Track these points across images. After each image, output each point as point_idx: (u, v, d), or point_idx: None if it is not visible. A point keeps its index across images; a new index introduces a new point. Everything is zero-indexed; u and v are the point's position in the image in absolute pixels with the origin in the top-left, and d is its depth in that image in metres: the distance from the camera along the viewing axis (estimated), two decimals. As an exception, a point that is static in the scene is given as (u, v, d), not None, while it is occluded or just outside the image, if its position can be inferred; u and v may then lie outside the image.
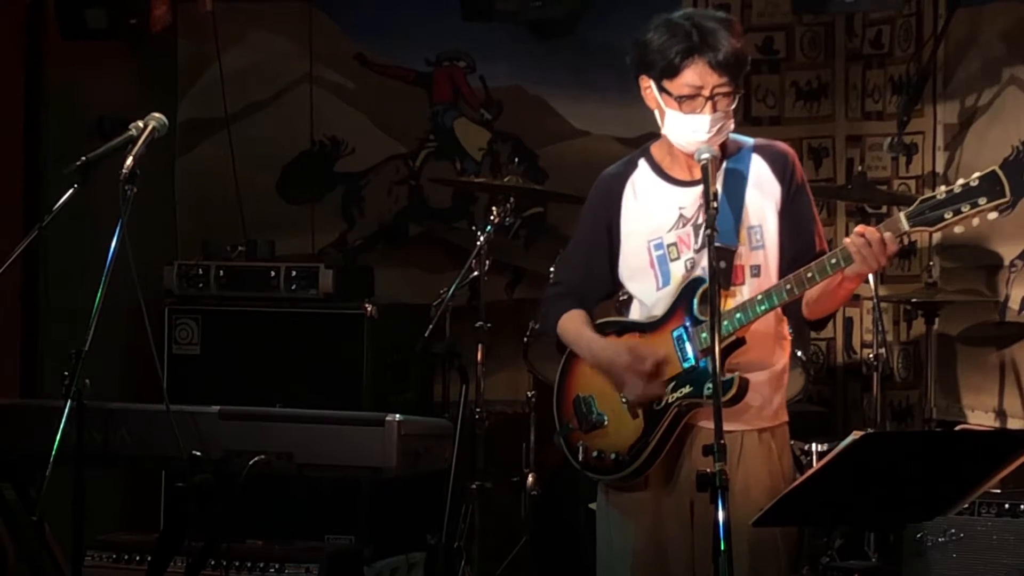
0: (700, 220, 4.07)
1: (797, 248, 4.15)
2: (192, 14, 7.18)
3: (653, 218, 4.17)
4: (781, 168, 4.17)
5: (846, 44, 7.05)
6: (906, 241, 3.97)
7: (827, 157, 7.05)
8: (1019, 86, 6.43)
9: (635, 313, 4.26)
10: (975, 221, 3.85)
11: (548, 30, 7.31)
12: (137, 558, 5.61)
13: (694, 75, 4.00)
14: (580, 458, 4.24)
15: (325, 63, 7.52)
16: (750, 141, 4.21)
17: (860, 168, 6.45)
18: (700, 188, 4.02)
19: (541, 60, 7.41)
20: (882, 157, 6.88)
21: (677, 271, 4.14)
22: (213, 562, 4.81)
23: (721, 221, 4.00)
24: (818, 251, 4.16)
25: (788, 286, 4.01)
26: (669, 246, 4.15)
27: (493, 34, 7.32)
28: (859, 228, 3.95)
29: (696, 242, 4.11)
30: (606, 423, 4.20)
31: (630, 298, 4.31)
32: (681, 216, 4.14)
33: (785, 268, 4.13)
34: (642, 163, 4.23)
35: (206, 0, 6.93)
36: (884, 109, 6.93)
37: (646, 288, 4.19)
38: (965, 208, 3.83)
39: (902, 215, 3.91)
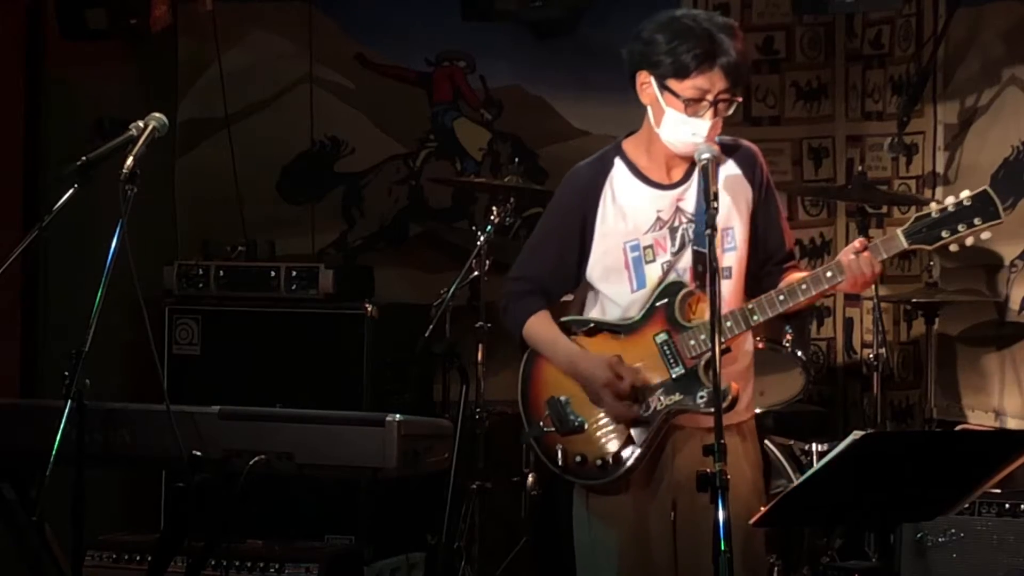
0: (676, 223, 4.09)
1: (770, 247, 4.20)
2: (192, 14, 7.19)
3: (631, 220, 4.16)
4: (751, 169, 4.19)
5: (846, 44, 7.05)
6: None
7: (827, 157, 7.05)
8: (1019, 86, 6.42)
9: (597, 312, 4.22)
10: (969, 240, 3.96)
11: (548, 30, 7.30)
12: (137, 558, 5.62)
13: (704, 80, 4.01)
14: (560, 462, 4.19)
15: (325, 63, 7.51)
16: (716, 140, 4.17)
17: (860, 168, 6.44)
18: (677, 191, 4.08)
19: (541, 60, 7.41)
20: (882, 157, 6.87)
21: (653, 273, 4.14)
22: (213, 562, 4.81)
23: (698, 225, 4.04)
24: (788, 249, 4.22)
25: (781, 296, 4.03)
26: (645, 248, 4.14)
27: (493, 34, 7.32)
28: (858, 243, 3.99)
29: (673, 245, 4.12)
30: (585, 427, 4.15)
31: (583, 297, 4.28)
32: (658, 219, 4.14)
33: (756, 266, 4.17)
34: (618, 162, 4.22)
35: (206, 0, 6.93)
36: (884, 109, 6.93)
37: (620, 290, 4.17)
38: (961, 228, 3.94)
39: (900, 232, 3.97)
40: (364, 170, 7.57)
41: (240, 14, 7.49)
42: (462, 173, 7.43)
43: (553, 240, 4.27)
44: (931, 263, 6.54)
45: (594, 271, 4.21)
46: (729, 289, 4.11)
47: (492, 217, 6.27)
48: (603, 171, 4.21)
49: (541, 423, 4.21)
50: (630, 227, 4.15)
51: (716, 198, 3.92)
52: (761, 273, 4.16)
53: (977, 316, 6.54)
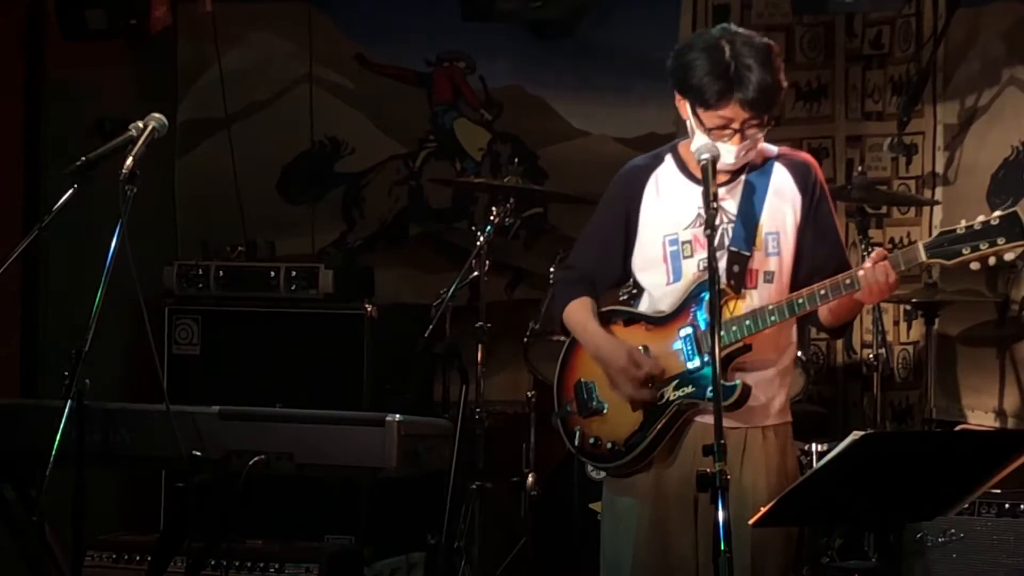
0: (717, 222, 4.09)
1: (819, 259, 4.20)
2: (192, 14, 7.18)
3: (672, 214, 4.22)
4: (803, 179, 4.23)
5: (846, 44, 7.04)
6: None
7: (827, 157, 7.04)
8: (1019, 86, 6.42)
9: (643, 305, 4.31)
10: (991, 260, 3.93)
11: (548, 30, 7.30)
12: (137, 558, 5.62)
13: (727, 111, 4.05)
14: (576, 442, 4.28)
15: (325, 63, 7.52)
16: (774, 150, 4.26)
17: (860, 168, 6.45)
18: (720, 191, 4.09)
19: (541, 60, 7.41)
20: (882, 157, 6.87)
21: (689, 269, 4.19)
22: (213, 562, 4.81)
23: (738, 226, 4.10)
24: (840, 262, 4.21)
25: (800, 300, 4.07)
26: (684, 243, 4.19)
27: (493, 34, 7.32)
28: (876, 255, 4.00)
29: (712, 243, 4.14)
30: (605, 411, 4.24)
31: (639, 292, 4.35)
32: (699, 216, 4.17)
33: (805, 276, 4.18)
34: (668, 159, 4.28)
35: (206, 0, 6.93)
36: (884, 109, 6.93)
37: (656, 281, 4.23)
38: (983, 246, 3.91)
39: (920, 245, 3.99)
40: (364, 170, 7.57)
41: (240, 14, 7.49)
42: (462, 173, 7.43)
43: (599, 232, 4.36)
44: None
45: (636, 262, 4.29)
46: (770, 294, 4.15)
47: (492, 217, 6.27)
48: (652, 166, 4.29)
49: (568, 405, 4.31)
50: (670, 221, 4.21)
51: (715, 198, 3.96)
52: (809, 284, 4.15)
53: (977, 316, 6.54)
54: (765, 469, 4.16)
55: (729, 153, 4.08)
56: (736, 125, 4.06)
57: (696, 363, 4.13)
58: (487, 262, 6.24)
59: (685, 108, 4.14)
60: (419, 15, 7.41)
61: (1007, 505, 5.32)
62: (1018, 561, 5.29)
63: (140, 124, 4.22)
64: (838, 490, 3.70)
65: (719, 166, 4.07)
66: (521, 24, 7.20)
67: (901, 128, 6.57)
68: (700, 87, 4.05)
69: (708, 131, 4.08)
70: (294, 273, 6.63)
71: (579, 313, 4.32)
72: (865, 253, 6.06)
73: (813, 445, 5.74)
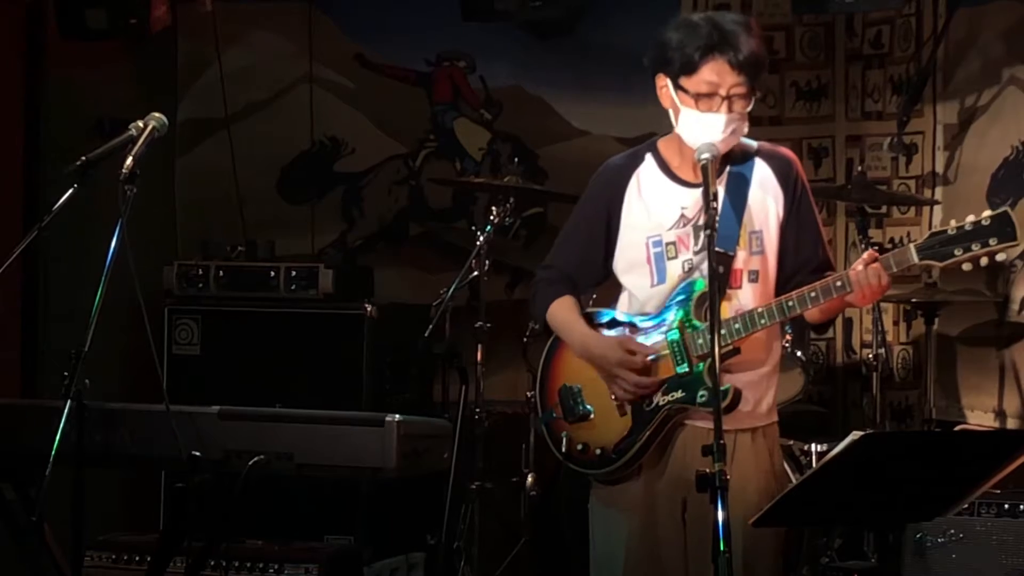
0: (701, 222, 4.07)
1: (802, 255, 4.19)
2: (192, 14, 7.19)
3: (655, 215, 4.18)
4: (785, 175, 4.19)
5: (846, 44, 7.05)
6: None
7: (827, 157, 7.05)
8: (1019, 86, 6.42)
9: (623, 305, 4.27)
10: (983, 260, 3.92)
11: (548, 30, 7.31)
12: (137, 558, 5.61)
13: (712, 73, 4.01)
14: (563, 449, 4.26)
15: (325, 63, 7.52)
16: (754, 145, 4.22)
17: (860, 168, 6.44)
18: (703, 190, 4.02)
19: (541, 60, 7.41)
20: (882, 157, 6.87)
21: (674, 270, 4.15)
22: (213, 562, 4.81)
23: (722, 226, 4.02)
24: (822, 258, 4.19)
25: (791, 303, 4.04)
26: (668, 244, 4.16)
27: (493, 34, 7.32)
28: (867, 256, 3.99)
29: (696, 244, 4.12)
30: (592, 416, 4.21)
31: (618, 291, 4.32)
32: (683, 216, 4.15)
33: (787, 274, 4.16)
34: (649, 158, 4.24)
35: (206, 0, 6.93)
36: (884, 109, 6.93)
37: (640, 283, 4.20)
38: (975, 247, 3.90)
39: (912, 247, 3.97)
40: (364, 170, 7.57)
41: (240, 14, 7.49)
42: (462, 173, 7.44)
43: (580, 231, 4.32)
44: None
45: (618, 263, 4.25)
46: (755, 293, 4.13)
47: (492, 217, 6.27)
48: (633, 165, 4.25)
49: (552, 410, 4.27)
50: (653, 222, 4.18)
51: (715, 198, 3.92)
52: (792, 281, 4.15)
53: (977, 316, 6.54)
54: (755, 471, 4.16)
55: (718, 123, 4.02)
56: (723, 91, 4.01)
57: (685, 367, 4.11)
58: (487, 262, 6.24)
59: (668, 94, 4.10)
60: (419, 15, 7.41)
61: (1007, 505, 5.32)
62: (1018, 561, 5.29)
63: (140, 124, 4.22)
64: (838, 490, 3.70)
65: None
66: (521, 24, 7.20)
67: (901, 128, 6.57)
68: (682, 48, 4.01)
69: (696, 101, 4.02)
70: (294, 273, 6.63)
71: (563, 313, 4.28)
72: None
73: (813, 445, 5.74)
